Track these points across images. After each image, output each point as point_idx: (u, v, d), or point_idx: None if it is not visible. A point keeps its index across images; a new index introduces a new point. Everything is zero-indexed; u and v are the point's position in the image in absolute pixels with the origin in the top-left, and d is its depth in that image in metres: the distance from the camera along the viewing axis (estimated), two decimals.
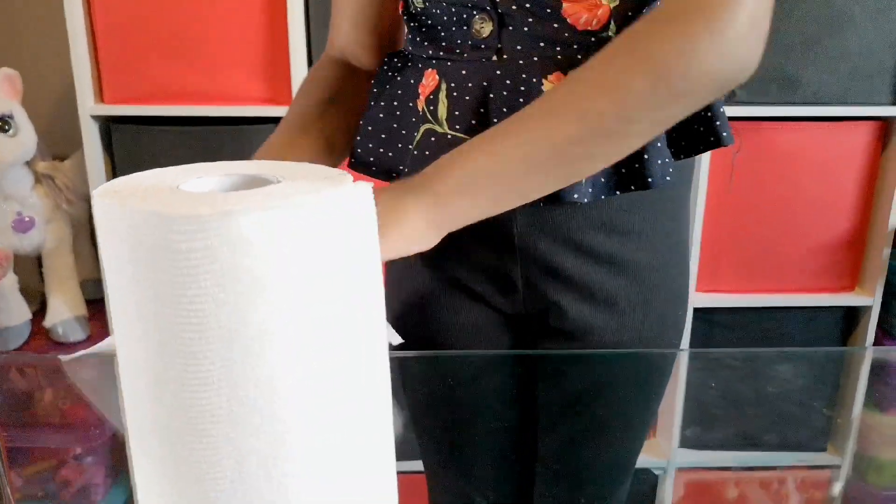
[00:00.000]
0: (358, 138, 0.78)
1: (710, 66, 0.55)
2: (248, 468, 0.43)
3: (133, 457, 0.46)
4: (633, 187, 0.69)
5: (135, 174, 0.47)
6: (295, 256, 0.40)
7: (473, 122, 0.70)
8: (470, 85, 0.70)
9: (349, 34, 0.82)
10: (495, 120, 0.68)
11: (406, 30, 0.81)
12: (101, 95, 1.58)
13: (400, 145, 0.77)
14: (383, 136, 0.78)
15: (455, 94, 0.70)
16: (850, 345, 1.84)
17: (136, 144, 1.58)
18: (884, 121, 1.68)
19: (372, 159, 0.78)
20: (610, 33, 0.66)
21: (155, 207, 0.39)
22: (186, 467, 0.43)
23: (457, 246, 0.77)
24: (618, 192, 0.70)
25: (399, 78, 0.77)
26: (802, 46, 1.59)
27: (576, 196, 0.68)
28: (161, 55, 1.53)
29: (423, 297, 0.85)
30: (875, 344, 1.80)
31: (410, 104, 0.76)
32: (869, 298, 1.76)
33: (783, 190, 1.70)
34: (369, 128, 0.78)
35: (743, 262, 1.75)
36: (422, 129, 0.73)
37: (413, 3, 0.74)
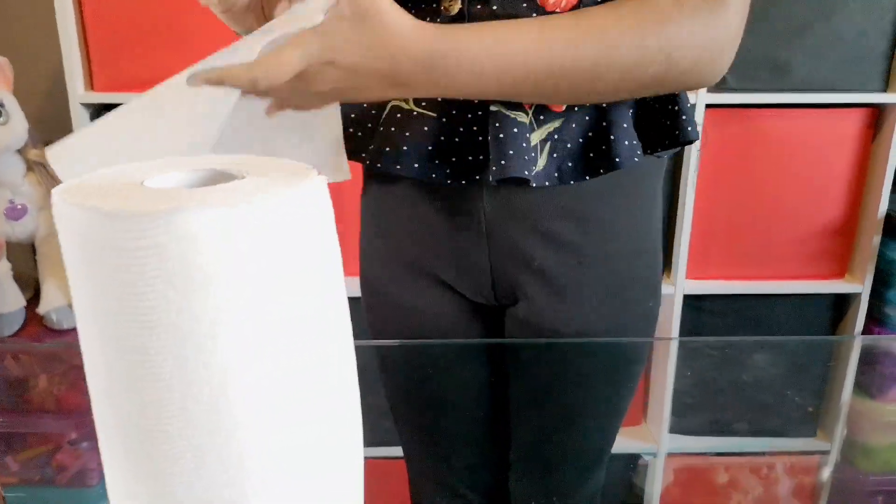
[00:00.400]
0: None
1: (711, 56, 0.62)
2: (206, 465, 0.43)
3: (101, 452, 0.47)
4: (601, 171, 0.70)
5: (103, 169, 0.47)
6: (247, 254, 0.41)
7: (438, 99, 0.70)
8: None
9: None
10: (461, 101, 0.69)
11: None
12: (91, 83, 1.58)
13: (370, 125, 0.77)
14: (352, 115, 0.77)
15: None
16: (839, 332, 1.85)
17: None
18: (875, 108, 1.68)
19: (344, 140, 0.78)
20: None
21: (106, 206, 0.39)
22: (147, 463, 0.44)
23: (426, 233, 0.79)
24: (587, 178, 0.71)
25: None
26: (792, 32, 1.58)
27: (546, 182, 0.69)
28: (151, 42, 1.53)
29: (390, 281, 0.85)
30: (864, 332, 1.80)
31: None
32: (859, 286, 1.76)
33: (773, 177, 1.70)
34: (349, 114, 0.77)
35: (733, 249, 1.75)
36: (388, 107, 0.73)
37: None
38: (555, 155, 0.70)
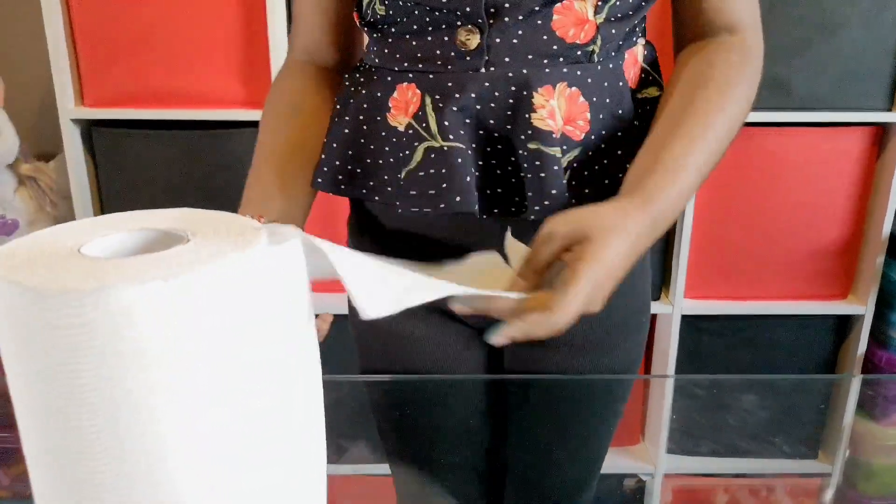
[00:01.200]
0: (323, 156, 0.76)
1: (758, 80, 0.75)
2: None
3: None
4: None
5: (39, 232, 0.45)
6: (184, 326, 0.39)
7: (462, 132, 0.70)
8: (457, 96, 0.69)
9: (312, 33, 0.82)
10: (495, 134, 0.71)
11: (365, 40, 0.79)
12: (81, 98, 1.57)
13: (369, 161, 0.76)
14: (350, 152, 0.76)
15: (441, 105, 0.70)
16: (841, 354, 1.82)
17: (117, 147, 1.57)
18: (879, 126, 1.64)
19: (340, 177, 0.76)
20: (595, 47, 0.70)
21: (34, 280, 0.37)
22: None
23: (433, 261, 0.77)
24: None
25: (363, 91, 0.76)
26: (794, 50, 1.56)
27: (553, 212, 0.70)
28: (141, 58, 1.52)
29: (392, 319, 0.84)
30: (867, 354, 1.77)
31: (378, 118, 0.74)
32: (861, 307, 1.73)
33: (775, 196, 1.67)
34: (334, 145, 0.76)
35: (733, 269, 1.73)
36: (421, 148, 0.72)
37: (373, 11, 0.72)
38: (574, 182, 0.72)
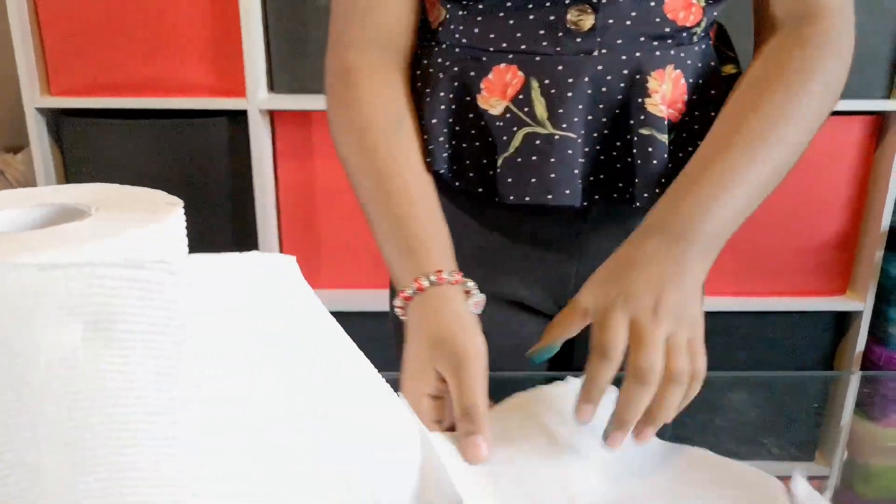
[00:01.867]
0: (439, 139, 0.70)
1: (844, 77, 0.67)
2: None
3: None
4: None
5: None
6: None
7: (576, 119, 0.67)
8: (570, 81, 0.66)
9: (396, 13, 0.69)
10: (604, 120, 0.68)
11: (446, 17, 0.71)
12: (48, 87, 1.52)
13: (465, 146, 0.71)
14: (442, 139, 0.70)
15: (552, 91, 0.67)
16: (840, 350, 1.78)
17: (86, 138, 1.52)
18: (878, 115, 1.60)
19: (450, 175, 0.71)
20: (700, 30, 0.68)
21: None
22: None
23: (512, 254, 0.77)
24: None
25: (452, 72, 0.70)
26: None
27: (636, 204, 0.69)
28: (109, 45, 1.47)
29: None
30: (865, 351, 1.73)
31: (467, 98, 0.70)
32: (860, 303, 1.69)
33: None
34: (440, 139, 0.70)
35: (729, 265, 1.69)
36: (520, 134, 0.68)
37: None
38: (670, 166, 0.70)
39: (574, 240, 0.75)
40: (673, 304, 0.54)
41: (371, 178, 0.66)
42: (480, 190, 0.71)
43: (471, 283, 0.61)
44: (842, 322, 1.75)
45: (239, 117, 1.51)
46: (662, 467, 0.53)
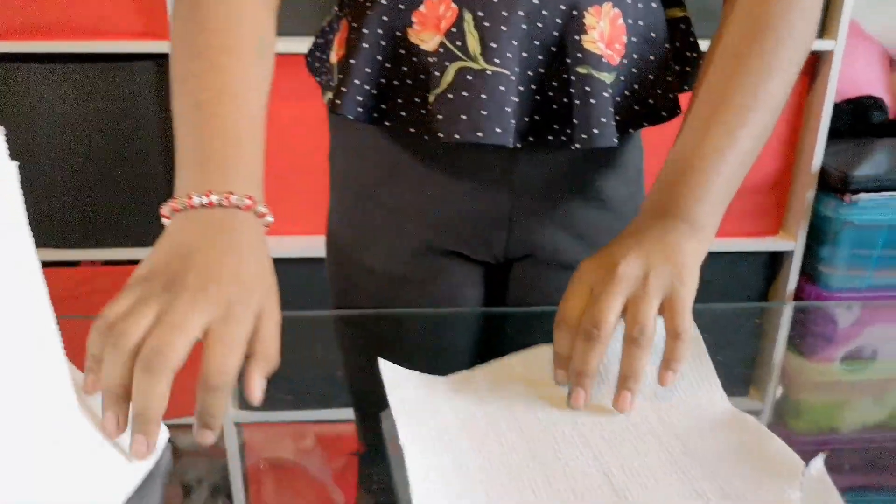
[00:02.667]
0: (345, 78, 0.67)
1: (816, 16, 0.67)
2: None
3: None
4: (644, 123, 0.72)
5: None
6: None
7: (510, 55, 0.65)
8: (504, 14, 0.64)
9: None
10: (540, 57, 0.66)
11: None
12: None
13: (396, 83, 0.69)
14: (370, 72, 0.68)
15: (486, 24, 0.64)
16: (772, 290, 1.81)
17: (8, 83, 1.46)
18: (810, 55, 1.61)
19: (363, 101, 0.68)
20: None
21: None
22: None
23: (431, 193, 0.75)
24: (630, 131, 0.72)
25: (381, 4, 0.67)
26: None
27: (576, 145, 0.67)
28: None
29: (369, 247, 0.78)
30: (797, 289, 1.77)
31: (398, 33, 0.67)
32: (792, 242, 1.73)
33: None
34: (356, 66, 0.67)
35: None
36: (453, 69, 0.66)
37: None
38: (611, 109, 0.68)
39: (507, 182, 0.74)
40: (638, 265, 0.56)
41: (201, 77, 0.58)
42: (413, 130, 0.69)
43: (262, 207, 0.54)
44: (775, 262, 1.79)
45: (166, 60, 1.46)
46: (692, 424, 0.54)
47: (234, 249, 0.50)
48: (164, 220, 0.53)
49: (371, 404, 0.55)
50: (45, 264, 0.43)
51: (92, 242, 1.58)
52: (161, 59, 1.47)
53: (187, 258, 0.48)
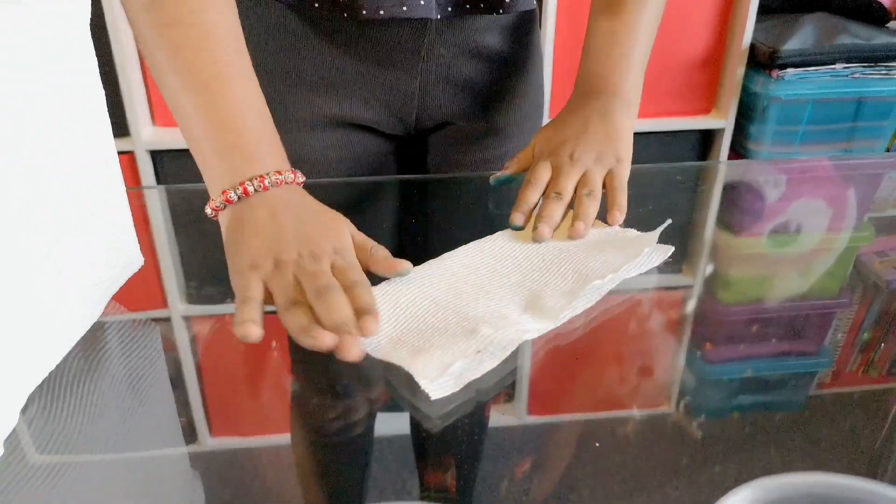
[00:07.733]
0: None
1: None
2: None
3: None
4: None
5: None
6: None
7: None
8: None
9: None
10: None
11: None
12: None
13: None
14: None
15: None
16: None
17: None
18: None
19: None
20: None
21: None
22: None
23: (357, 75, 0.75)
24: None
25: None
26: None
27: (500, 11, 0.71)
28: None
29: (308, 137, 0.78)
30: None
31: None
32: (723, 121, 1.74)
33: None
34: None
35: None
36: None
37: None
38: None
39: (416, 56, 0.74)
40: (588, 150, 0.66)
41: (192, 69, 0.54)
42: (333, 10, 0.68)
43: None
44: (706, 140, 1.81)
45: None
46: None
47: (304, 209, 0.54)
48: (215, 218, 0.55)
49: None
50: None
51: None
52: None
53: (280, 230, 0.51)
